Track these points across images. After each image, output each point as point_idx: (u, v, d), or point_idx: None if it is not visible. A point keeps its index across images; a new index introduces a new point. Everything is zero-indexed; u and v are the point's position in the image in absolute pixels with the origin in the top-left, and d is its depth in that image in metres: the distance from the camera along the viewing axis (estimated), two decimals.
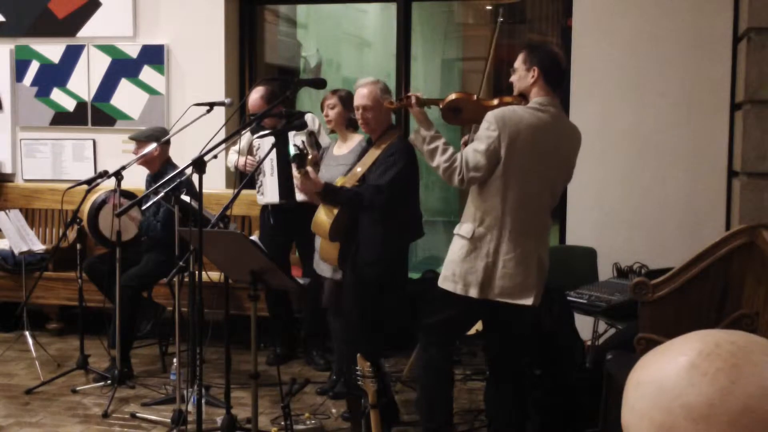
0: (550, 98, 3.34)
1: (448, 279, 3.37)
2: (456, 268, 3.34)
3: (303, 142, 4.63)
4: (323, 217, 3.89)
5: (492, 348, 3.59)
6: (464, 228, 3.35)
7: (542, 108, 3.30)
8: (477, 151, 3.25)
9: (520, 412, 3.52)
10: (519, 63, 3.39)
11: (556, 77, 3.37)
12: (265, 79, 5.51)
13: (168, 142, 4.98)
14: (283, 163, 4.84)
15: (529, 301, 3.30)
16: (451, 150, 3.33)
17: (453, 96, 3.48)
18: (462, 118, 3.51)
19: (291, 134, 4.84)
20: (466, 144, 3.49)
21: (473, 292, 3.30)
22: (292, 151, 4.41)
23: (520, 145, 3.23)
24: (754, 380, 0.70)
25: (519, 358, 3.58)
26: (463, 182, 3.30)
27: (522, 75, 3.37)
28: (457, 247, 3.36)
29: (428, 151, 3.35)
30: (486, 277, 3.28)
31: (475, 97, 3.48)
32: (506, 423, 3.49)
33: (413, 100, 3.43)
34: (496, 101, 3.43)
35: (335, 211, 3.85)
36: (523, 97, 3.40)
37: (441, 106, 3.48)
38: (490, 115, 3.26)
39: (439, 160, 3.31)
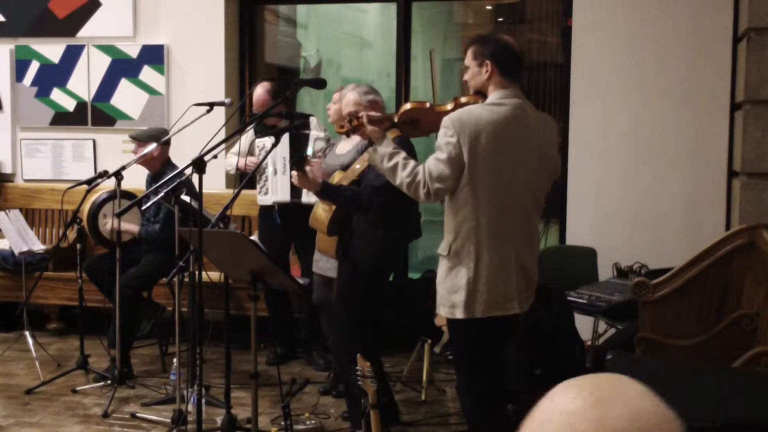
0: (510, 90, 3.11)
1: (440, 303, 3.19)
2: (441, 289, 3.16)
3: (322, 149, 4.70)
4: (321, 212, 3.89)
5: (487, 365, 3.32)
6: (442, 245, 3.17)
7: (502, 102, 3.08)
8: (439, 160, 3.04)
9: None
10: (469, 59, 3.15)
11: (513, 67, 3.13)
12: (266, 78, 5.51)
13: (168, 143, 4.99)
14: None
15: (514, 310, 3.11)
16: (412, 164, 3.11)
17: (407, 107, 3.31)
18: (420, 129, 3.33)
19: (312, 137, 4.88)
20: None
21: (458, 313, 3.10)
22: (310, 152, 4.44)
23: (482, 146, 3.01)
24: (619, 407, 0.75)
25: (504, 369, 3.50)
26: (429, 196, 3.09)
27: (475, 71, 3.14)
28: (440, 266, 3.19)
29: (388, 170, 3.16)
30: (469, 294, 3.07)
31: (428, 104, 3.31)
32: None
33: (364, 119, 3.26)
34: (450, 105, 3.23)
35: (333, 207, 3.85)
36: (481, 95, 3.17)
37: (396, 121, 3.30)
38: (446, 120, 3.06)
39: (401, 176, 3.11)
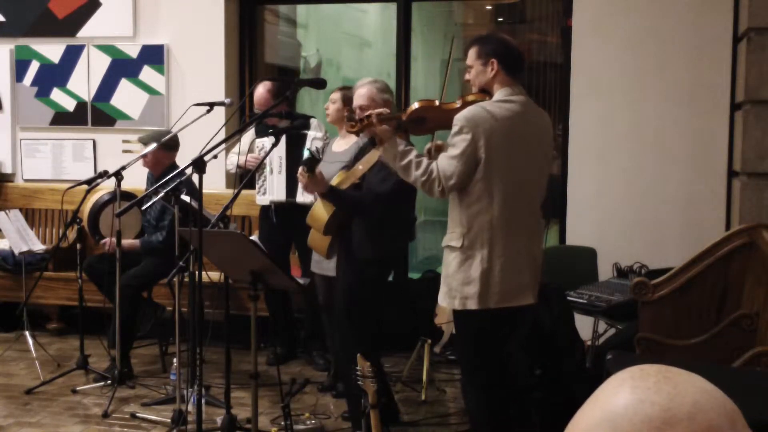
0: (514, 87, 3.22)
1: (447, 295, 3.24)
2: (452, 281, 3.21)
3: (318, 149, 4.67)
4: (321, 211, 3.89)
5: (496, 354, 3.41)
6: (451, 237, 3.21)
7: (509, 100, 3.19)
8: (452, 157, 3.11)
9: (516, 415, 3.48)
10: (472, 59, 3.24)
11: (516, 65, 3.24)
12: (266, 79, 5.51)
13: (175, 148, 4.97)
14: (293, 162, 4.84)
15: (528, 300, 3.20)
16: (425, 162, 3.18)
17: (415, 106, 3.34)
18: (426, 127, 3.38)
19: (309, 137, 4.88)
20: (429, 151, 3.39)
21: (471, 304, 3.15)
22: (306, 154, 4.44)
23: (496, 142, 3.11)
24: (689, 383, 0.75)
25: (518, 361, 3.54)
26: (443, 193, 3.16)
27: (479, 70, 3.23)
28: (449, 259, 3.22)
29: (402, 168, 3.21)
30: (483, 285, 3.13)
31: (437, 102, 3.36)
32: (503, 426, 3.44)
33: (374, 119, 3.29)
34: (458, 103, 3.29)
35: (333, 207, 3.85)
36: (486, 93, 3.27)
37: (404, 119, 3.33)
38: (458, 119, 3.12)
39: (416, 175, 3.17)
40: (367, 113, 3.39)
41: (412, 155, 3.20)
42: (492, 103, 3.18)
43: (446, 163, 3.13)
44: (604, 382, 0.80)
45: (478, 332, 3.24)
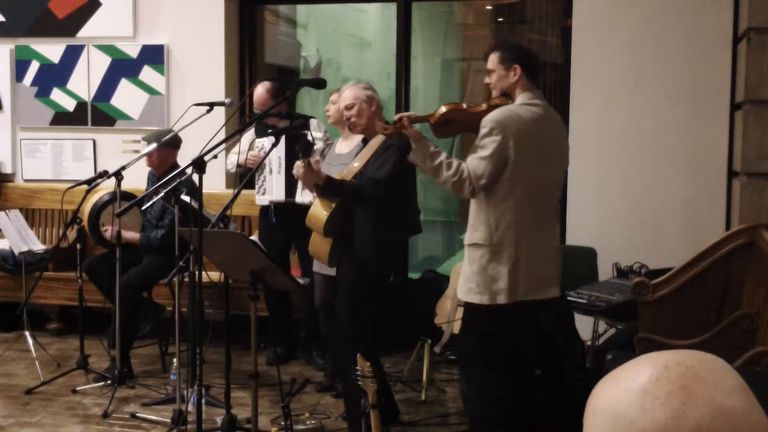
0: (535, 92, 3.38)
1: (472, 291, 3.32)
2: (478, 278, 3.30)
3: (313, 137, 4.68)
4: (320, 211, 3.89)
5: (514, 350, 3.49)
6: (479, 235, 3.31)
7: (534, 103, 3.34)
8: (483, 158, 3.24)
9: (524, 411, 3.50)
10: (494, 64, 3.39)
11: (535, 70, 3.43)
12: (266, 79, 5.51)
13: (178, 146, 4.98)
14: (292, 162, 4.84)
15: (554, 293, 3.35)
16: (455, 163, 3.30)
17: (443, 109, 3.42)
18: (451, 129, 3.46)
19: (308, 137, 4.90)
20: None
21: (501, 299, 3.26)
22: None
23: (524, 143, 3.25)
24: (704, 400, 0.72)
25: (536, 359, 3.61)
26: (474, 192, 3.29)
27: (502, 75, 3.37)
28: (476, 256, 3.31)
29: (432, 169, 3.32)
30: (512, 280, 3.25)
31: (464, 105, 3.47)
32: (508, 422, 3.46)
33: (405, 122, 3.38)
34: (484, 106, 3.40)
35: (332, 206, 3.85)
36: (507, 96, 3.40)
37: (432, 122, 3.42)
38: (488, 121, 3.25)
39: (446, 176, 3.29)
40: (398, 116, 3.47)
41: (443, 156, 3.31)
42: (518, 106, 3.33)
43: (476, 163, 3.25)
44: (630, 362, 0.77)
45: (501, 328, 3.33)
